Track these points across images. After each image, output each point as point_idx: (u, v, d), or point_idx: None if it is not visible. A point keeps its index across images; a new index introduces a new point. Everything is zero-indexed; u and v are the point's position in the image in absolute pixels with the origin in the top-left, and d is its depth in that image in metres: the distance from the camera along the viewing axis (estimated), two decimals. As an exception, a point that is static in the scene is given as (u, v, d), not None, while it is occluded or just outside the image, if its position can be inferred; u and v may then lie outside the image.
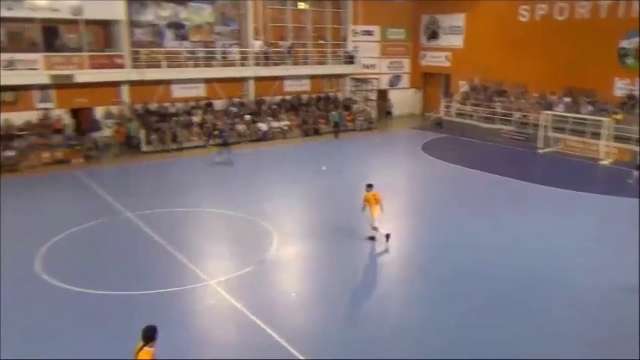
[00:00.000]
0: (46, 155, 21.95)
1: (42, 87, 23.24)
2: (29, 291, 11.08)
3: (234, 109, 28.00)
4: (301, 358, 8.77)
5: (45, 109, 23.50)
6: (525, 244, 13.66)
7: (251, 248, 13.28)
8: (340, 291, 11.26)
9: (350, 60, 32.10)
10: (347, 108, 31.95)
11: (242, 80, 28.96)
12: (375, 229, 13.30)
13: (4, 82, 21.49)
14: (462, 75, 33.54)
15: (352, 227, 14.46)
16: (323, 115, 30.26)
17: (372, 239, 13.52)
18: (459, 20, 33.68)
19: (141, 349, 6.90)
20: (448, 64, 34.98)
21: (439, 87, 36.27)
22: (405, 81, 37.24)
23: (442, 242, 13.88)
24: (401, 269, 12.67)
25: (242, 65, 28.28)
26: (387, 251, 13.16)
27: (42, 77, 22.23)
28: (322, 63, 31.29)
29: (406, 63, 36.92)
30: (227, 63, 27.99)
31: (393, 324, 10.02)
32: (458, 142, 27.79)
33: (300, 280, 12.22)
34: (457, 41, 33.99)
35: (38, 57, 22.05)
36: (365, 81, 33.71)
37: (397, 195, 17.42)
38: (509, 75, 30.00)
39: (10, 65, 21.33)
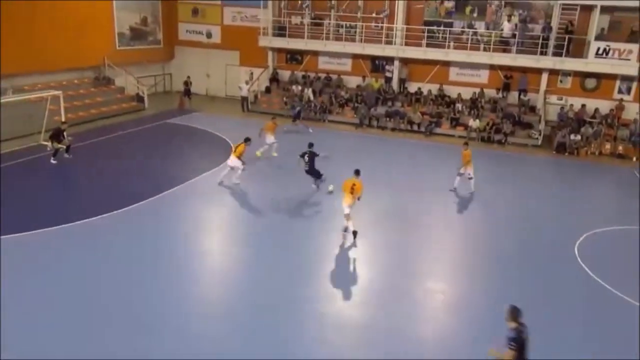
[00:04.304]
0: (607, 146, 21.83)
1: (624, 78, 22.84)
2: (564, 270, 11.65)
3: None
4: None
5: (620, 100, 23.08)
6: None
7: None
8: None
9: None
10: None
11: None
12: (346, 216, 12.13)
13: (593, 69, 22.40)
14: None
15: None
16: None
17: (346, 230, 12.32)
18: None
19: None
20: None
21: None
22: None
23: None
24: None
25: None
26: None
27: (631, 68, 21.76)
28: None
29: None
30: None
31: None
32: None
33: None
34: None
35: (633, 47, 21.55)
36: None
37: None
38: None
39: (606, 53, 21.81)
